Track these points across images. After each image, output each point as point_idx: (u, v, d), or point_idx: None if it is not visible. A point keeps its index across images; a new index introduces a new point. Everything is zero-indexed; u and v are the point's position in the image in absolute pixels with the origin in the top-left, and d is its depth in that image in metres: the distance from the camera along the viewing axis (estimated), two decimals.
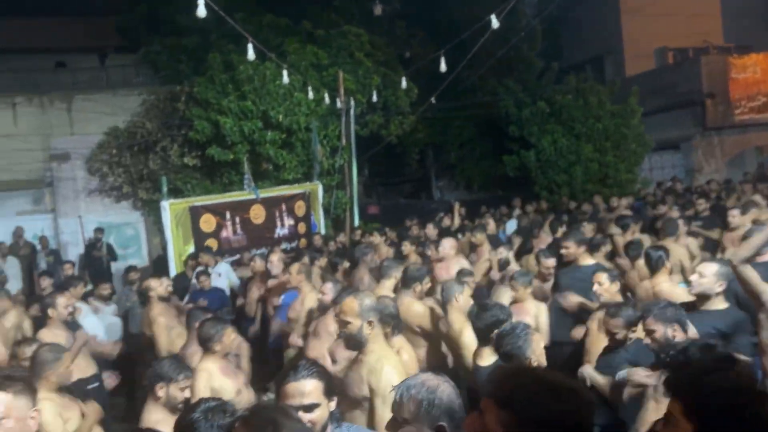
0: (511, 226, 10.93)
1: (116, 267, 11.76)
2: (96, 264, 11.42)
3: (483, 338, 3.58)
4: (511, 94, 14.86)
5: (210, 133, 11.57)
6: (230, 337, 3.71)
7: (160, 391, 3.17)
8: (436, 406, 1.99)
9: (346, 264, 7.05)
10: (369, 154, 14.63)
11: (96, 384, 4.67)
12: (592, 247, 5.99)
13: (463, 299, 4.37)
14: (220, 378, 3.54)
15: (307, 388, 2.22)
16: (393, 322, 3.83)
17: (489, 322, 3.51)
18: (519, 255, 7.35)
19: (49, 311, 4.86)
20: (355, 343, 3.05)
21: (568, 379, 1.46)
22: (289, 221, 11.36)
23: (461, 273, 5.34)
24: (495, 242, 7.86)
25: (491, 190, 16.74)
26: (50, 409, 3.07)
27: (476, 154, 16.77)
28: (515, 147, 14.82)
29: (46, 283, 7.74)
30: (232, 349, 3.98)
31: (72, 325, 5.06)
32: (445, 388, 2.04)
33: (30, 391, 2.16)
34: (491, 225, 9.27)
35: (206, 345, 3.62)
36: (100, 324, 6.30)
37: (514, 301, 4.95)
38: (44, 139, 12.48)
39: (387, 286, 5.21)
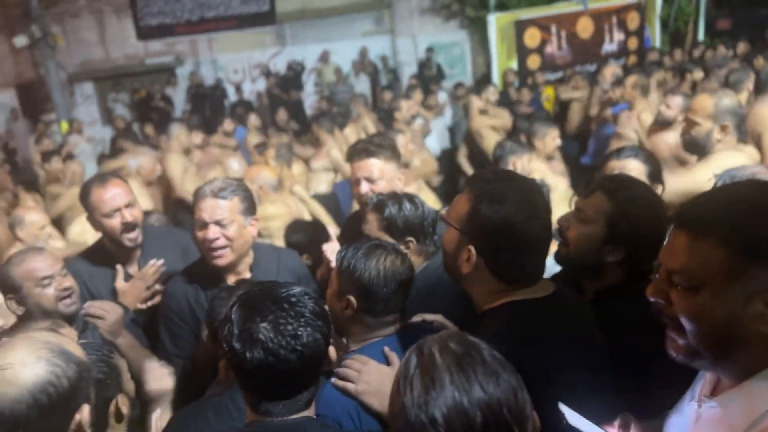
0: None
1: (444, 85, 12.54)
2: (427, 81, 12.30)
3: None
4: None
5: None
6: (555, 139, 3.76)
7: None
8: None
9: (695, 75, 6.24)
10: None
11: None
12: None
13: None
14: (551, 176, 3.66)
15: (629, 166, 2.15)
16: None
17: None
18: None
19: (396, 114, 5.51)
20: (697, 147, 2.77)
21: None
22: (618, 36, 10.39)
23: None
24: None
25: None
26: None
27: None
28: None
29: (387, 96, 8.77)
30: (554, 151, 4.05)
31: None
32: None
33: (395, 157, 2.52)
34: None
35: (533, 143, 3.74)
36: (433, 130, 6.93)
37: None
38: None
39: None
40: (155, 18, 12.84)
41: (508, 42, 9.77)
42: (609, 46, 10.31)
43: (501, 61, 9.84)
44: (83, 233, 3.99)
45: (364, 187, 2.43)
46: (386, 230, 2.06)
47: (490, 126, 6.31)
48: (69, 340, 1.26)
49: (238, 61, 13.89)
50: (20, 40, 12.05)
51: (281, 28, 13.58)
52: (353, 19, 13.63)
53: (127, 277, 2.44)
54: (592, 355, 1.45)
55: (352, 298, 1.66)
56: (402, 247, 1.87)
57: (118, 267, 2.45)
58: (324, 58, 13.31)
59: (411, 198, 2.13)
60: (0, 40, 13.33)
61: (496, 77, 9.86)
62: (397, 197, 2.13)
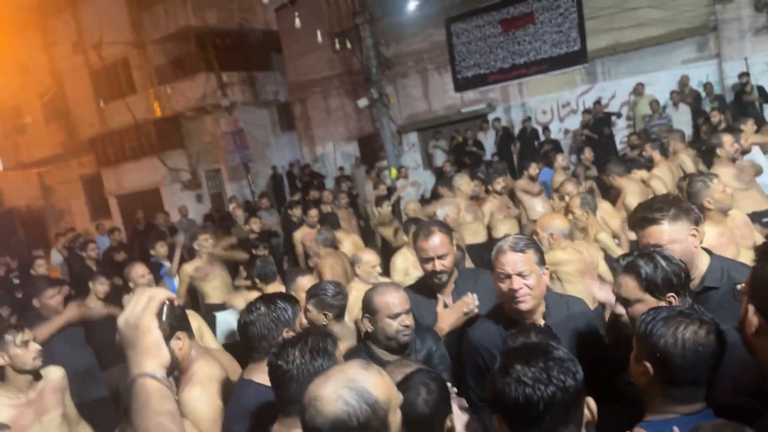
0: None
1: None
2: (747, 108, 10.76)
3: None
4: None
5: None
6: None
7: None
8: None
9: None
10: None
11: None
12: None
13: None
14: None
15: None
16: None
17: None
18: None
19: (718, 151, 4.91)
20: None
21: None
22: None
23: None
24: None
25: None
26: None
27: None
28: None
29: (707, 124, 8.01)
30: None
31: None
32: None
33: (682, 213, 2.35)
34: None
35: None
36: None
37: None
38: None
39: None
40: (471, 70, 13.95)
41: None
42: None
43: None
44: (405, 268, 4.67)
45: None
46: (646, 290, 2.02)
47: None
48: (378, 379, 1.50)
49: (547, 102, 14.16)
50: (362, 102, 14.37)
51: (592, 65, 13.42)
52: (671, 48, 12.75)
53: (445, 306, 2.92)
54: None
55: (649, 365, 1.65)
56: (664, 304, 1.82)
57: (439, 296, 2.95)
58: (637, 90, 12.70)
59: (660, 252, 2.09)
60: (347, 102, 16.14)
61: None
62: (647, 255, 2.07)
